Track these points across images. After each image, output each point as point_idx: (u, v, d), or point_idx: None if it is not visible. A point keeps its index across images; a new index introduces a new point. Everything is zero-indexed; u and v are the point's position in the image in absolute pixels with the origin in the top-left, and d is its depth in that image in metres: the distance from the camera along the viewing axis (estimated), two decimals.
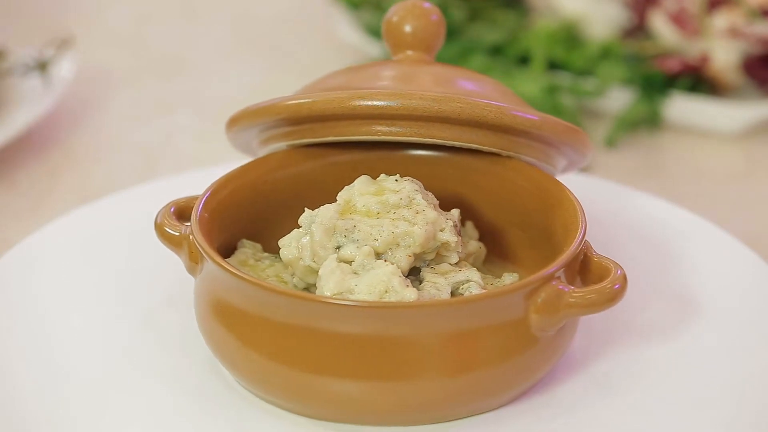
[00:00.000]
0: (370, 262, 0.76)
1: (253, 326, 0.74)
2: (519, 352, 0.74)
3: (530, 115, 0.81)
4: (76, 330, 0.82)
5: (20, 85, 1.19)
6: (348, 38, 1.35)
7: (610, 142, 1.20)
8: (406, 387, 0.73)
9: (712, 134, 1.21)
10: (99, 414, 0.76)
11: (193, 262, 0.79)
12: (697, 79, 1.23)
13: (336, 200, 0.80)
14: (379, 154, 0.86)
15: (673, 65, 1.22)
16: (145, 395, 0.77)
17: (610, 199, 0.95)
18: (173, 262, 0.82)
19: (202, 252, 0.76)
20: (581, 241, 0.77)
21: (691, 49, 1.24)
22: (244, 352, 0.74)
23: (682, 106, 1.22)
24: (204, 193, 0.81)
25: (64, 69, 1.21)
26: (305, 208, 0.80)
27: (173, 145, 1.19)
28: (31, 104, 1.16)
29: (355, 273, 0.76)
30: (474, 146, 0.82)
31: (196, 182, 0.93)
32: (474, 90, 0.84)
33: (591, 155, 0.87)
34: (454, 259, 0.80)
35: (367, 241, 0.77)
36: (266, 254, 0.84)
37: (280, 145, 0.85)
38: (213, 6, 1.51)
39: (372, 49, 1.31)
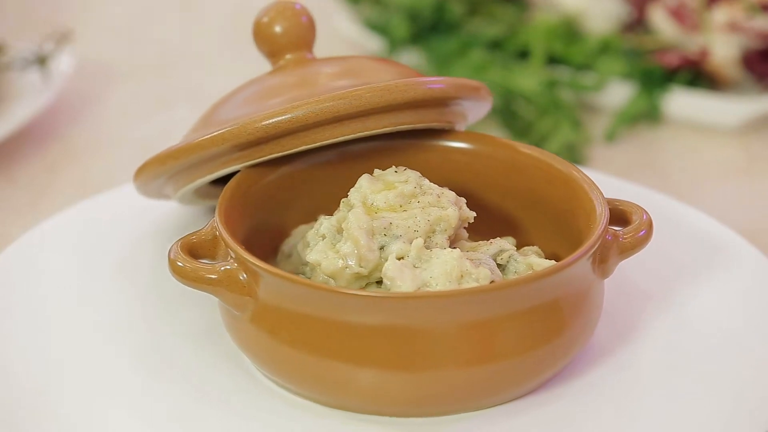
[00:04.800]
0: (424, 253, 0.75)
1: (363, 340, 0.72)
2: (591, 307, 0.76)
3: (472, 83, 0.83)
4: (76, 325, 0.82)
5: (19, 80, 1.19)
6: (347, 33, 1.35)
7: (610, 137, 1.20)
8: (500, 366, 0.73)
9: (712, 129, 1.21)
10: (100, 412, 0.75)
11: (245, 295, 0.75)
12: (697, 74, 1.23)
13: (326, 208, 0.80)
14: (330, 155, 0.86)
15: (672, 60, 1.22)
16: (147, 392, 0.77)
17: (608, 194, 0.95)
18: None
19: (284, 281, 0.73)
20: (598, 189, 0.80)
21: (691, 43, 1.24)
22: (337, 366, 0.73)
23: (681, 101, 1.22)
24: (224, 226, 0.77)
25: (64, 63, 1.21)
26: (320, 216, 0.79)
27: (172, 140, 1.18)
28: (30, 99, 1.16)
29: (415, 267, 0.75)
30: (434, 126, 0.83)
31: None
32: (407, 73, 0.84)
33: (491, 104, 0.88)
34: (466, 234, 0.80)
35: (408, 235, 0.76)
36: None
37: (222, 173, 0.83)
38: (212, 1, 1.50)
39: (372, 43, 1.31)
